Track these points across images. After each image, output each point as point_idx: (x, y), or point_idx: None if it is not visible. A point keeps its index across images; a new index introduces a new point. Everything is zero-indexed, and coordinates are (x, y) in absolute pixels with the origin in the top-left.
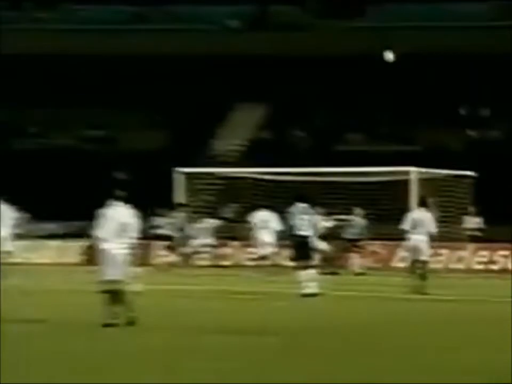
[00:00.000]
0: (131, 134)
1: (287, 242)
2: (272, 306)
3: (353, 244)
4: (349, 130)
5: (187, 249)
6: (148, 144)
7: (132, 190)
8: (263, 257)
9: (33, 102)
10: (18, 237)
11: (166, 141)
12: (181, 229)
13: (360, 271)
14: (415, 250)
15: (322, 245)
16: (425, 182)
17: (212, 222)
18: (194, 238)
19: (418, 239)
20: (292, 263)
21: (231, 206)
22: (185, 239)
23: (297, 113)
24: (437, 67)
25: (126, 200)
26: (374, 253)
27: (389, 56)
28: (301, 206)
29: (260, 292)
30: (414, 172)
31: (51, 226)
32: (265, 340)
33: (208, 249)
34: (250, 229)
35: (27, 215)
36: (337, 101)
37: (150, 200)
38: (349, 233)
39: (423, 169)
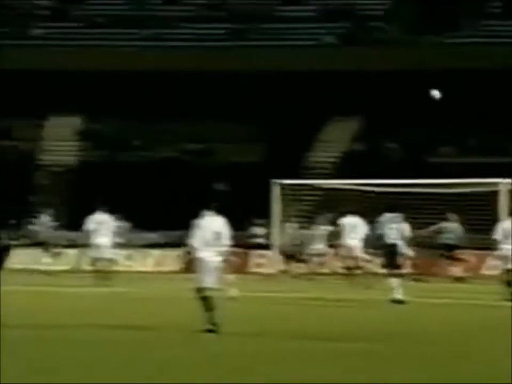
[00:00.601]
0: (229, 146)
1: (378, 250)
2: (365, 313)
3: (450, 250)
4: (441, 142)
5: (305, 257)
6: (245, 156)
7: (230, 201)
8: (351, 264)
9: (137, 116)
10: (121, 245)
11: (263, 154)
12: (293, 238)
13: (460, 275)
14: (506, 259)
15: (411, 252)
16: None
17: (324, 229)
18: (308, 245)
19: (509, 248)
20: (383, 271)
21: (327, 216)
22: (300, 246)
23: (389, 126)
24: None
25: (219, 210)
26: (464, 261)
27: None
28: (390, 215)
29: (353, 299)
30: (504, 183)
31: (152, 236)
32: (361, 346)
33: (322, 256)
34: (338, 233)
35: (129, 225)
36: (429, 114)
37: (248, 210)
38: (445, 239)
39: None
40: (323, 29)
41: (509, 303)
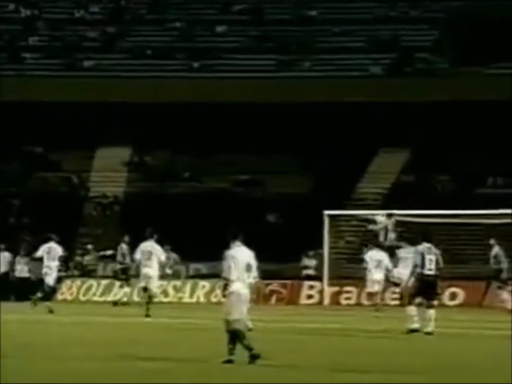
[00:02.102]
0: (279, 178)
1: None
2: (398, 344)
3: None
4: (491, 173)
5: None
6: (295, 188)
7: (283, 232)
8: (371, 295)
9: (186, 148)
10: (170, 277)
11: (312, 185)
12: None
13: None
14: None
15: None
16: None
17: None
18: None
19: None
20: (407, 300)
21: (373, 248)
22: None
23: (439, 157)
24: None
25: (247, 242)
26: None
27: None
28: (427, 245)
29: (379, 330)
30: None
31: (201, 267)
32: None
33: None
34: (364, 268)
35: (178, 256)
36: (478, 145)
37: (298, 242)
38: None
39: None
40: (371, 59)
41: None
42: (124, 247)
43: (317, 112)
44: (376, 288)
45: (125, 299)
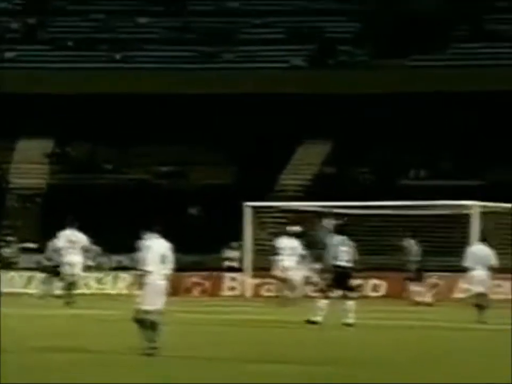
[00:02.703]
0: (201, 170)
1: (325, 272)
2: (318, 336)
3: (411, 273)
4: (412, 166)
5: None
6: (217, 179)
7: (203, 224)
8: (285, 281)
9: (107, 139)
10: (91, 268)
11: (235, 177)
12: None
13: (423, 300)
14: (476, 282)
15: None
16: (487, 215)
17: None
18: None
19: (479, 274)
20: (326, 293)
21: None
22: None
23: (360, 149)
24: (499, 103)
25: (163, 233)
26: (434, 284)
27: None
28: (341, 237)
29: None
30: (474, 206)
31: (122, 258)
32: (316, 369)
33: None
34: (275, 255)
35: (99, 248)
36: (399, 137)
37: (220, 233)
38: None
39: (485, 203)
40: (292, 51)
41: (478, 325)
42: (55, 242)
43: (239, 104)
44: (288, 274)
45: (56, 292)
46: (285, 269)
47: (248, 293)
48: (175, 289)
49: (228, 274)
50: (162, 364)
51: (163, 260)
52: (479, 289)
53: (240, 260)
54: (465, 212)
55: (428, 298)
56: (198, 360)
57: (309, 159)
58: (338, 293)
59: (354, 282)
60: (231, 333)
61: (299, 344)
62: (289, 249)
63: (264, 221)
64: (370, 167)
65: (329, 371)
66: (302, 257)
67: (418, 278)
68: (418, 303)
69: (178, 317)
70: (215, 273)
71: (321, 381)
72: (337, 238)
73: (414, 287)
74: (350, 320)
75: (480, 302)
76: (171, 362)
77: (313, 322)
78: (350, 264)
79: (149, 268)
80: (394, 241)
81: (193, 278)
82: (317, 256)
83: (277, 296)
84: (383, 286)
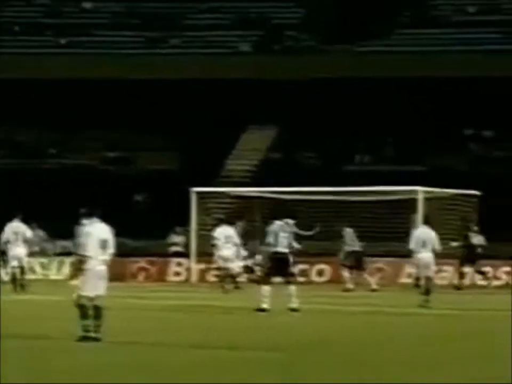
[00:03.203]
0: (147, 155)
1: (265, 258)
2: (270, 321)
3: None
4: (357, 151)
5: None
6: (163, 165)
7: (150, 209)
8: (225, 271)
9: (52, 125)
10: (35, 254)
11: (181, 162)
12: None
13: (349, 287)
14: (421, 266)
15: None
16: (431, 201)
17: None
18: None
19: (424, 256)
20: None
21: (238, 225)
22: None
23: (306, 135)
24: (442, 89)
25: (102, 217)
26: (380, 269)
27: None
28: (280, 223)
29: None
30: (419, 191)
31: (67, 244)
32: (260, 355)
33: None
34: (213, 245)
35: (45, 233)
36: (345, 123)
37: (167, 218)
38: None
39: (429, 189)
40: (239, 37)
41: (422, 310)
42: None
43: (186, 89)
44: (227, 264)
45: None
46: (223, 258)
47: (194, 278)
48: (120, 274)
49: (174, 260)
50: (106, 349)
51: (103, 245)
52: (424, 273)
53: (186, 246)
54: (411, 197)
55: (373, 284)
56: (143, 346)
57: (255, 144)
58: (279, 279)
59: (299, 267)
60: (176, 318)
61: (245, 330)
62: (225, 238)
63: (209, 206)
64: (316, 152)
65: (277, 356)
66: (239, 245)
67: (358, 266)
68: (347, 290)
69: (123, 302)
70: (160, 258)
71: (269, 366)
72: (277, 224)
73: (346, 274)
74: (294, 305)
75: (425, 286)
76: (115, 347)
77: (262, 310)
78: (288, 250)
79: (88, 253)
80: (338, 227)
81: (139, 263)
82: (257, 243)
83: (221, 282)
84: (328, 271)
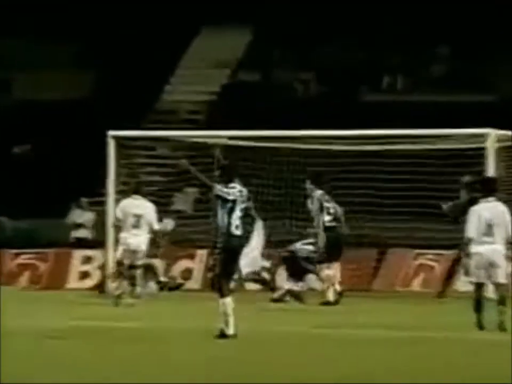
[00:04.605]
0: (37, 76)
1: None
2: None
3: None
4: (386, 71)
5: None
6: (63, 92)
7: (36, 168)
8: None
9: None
10: None
11: (92, 89)
12: None
13: None
14: (483, 265)
15: None
16: (507, 152)
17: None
18: None
19: (489, 249)
20: None
21: (187, 192)
22: None
23: (300, 42)
24: None
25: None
26: (423, 267)
27: None
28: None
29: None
30: (489, 135)
31: None
32: None
33: None
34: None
35: None
36: (366, 23)
37: (65, 184)
38: None
39: (505, 132)
40: None
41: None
42: None
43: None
44: (136, 261)
45: None
46: (127, 250)
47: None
48: None
49: (77, 253)
50: None
51: None
52: (490, 276)
53: (98, 229)
54: (472, 145)
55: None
56: None
57: (212, 57)
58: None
59: None
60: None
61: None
62: (134, 216)
63: (139, 162)
64: (316, 71)
65: None
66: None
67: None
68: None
69: None
70: (56, 250)
71: None
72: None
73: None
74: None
75: (498, 295)
76: None
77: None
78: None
79: None
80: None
81: (20, 258)
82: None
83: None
84: None
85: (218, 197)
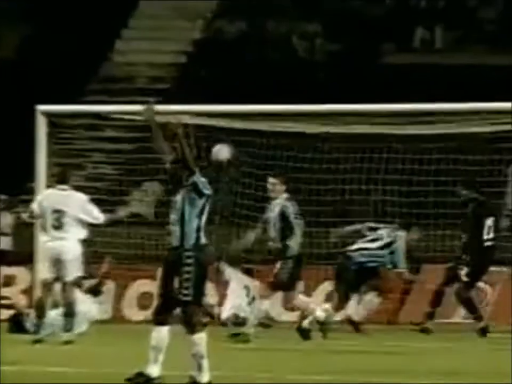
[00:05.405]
0: None
1: None
2: None
3: None
4: (421, 22)
5: None
6: None
7: None
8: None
9: None
10: None
11: (17, 48)
12: None
13: None
14: None
15: None
16: None
17: None
18: None
19: None
20: None
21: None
22: None
23: None
24: None
25: None
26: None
27: None
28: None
29: None
30: None
31: None
32: None
33: None
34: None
35: None
36: None
37: None
38: None
39: None
40: None
41: None
42: None
43: None
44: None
45: None
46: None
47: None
48: None
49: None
50: None
51: None
52: None
53: (21, 236)
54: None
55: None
56: None
57: (172, 11)
58: None
59: None
60: None
61: None
62: (53, 213)
63: (78, 147)
64: (323, 23)
65: None
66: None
67: None
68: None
69: None
70: None
71: None
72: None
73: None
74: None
75: None
76: None
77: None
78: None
79: None
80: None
81: None
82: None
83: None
84: None
85: (194, 188)
